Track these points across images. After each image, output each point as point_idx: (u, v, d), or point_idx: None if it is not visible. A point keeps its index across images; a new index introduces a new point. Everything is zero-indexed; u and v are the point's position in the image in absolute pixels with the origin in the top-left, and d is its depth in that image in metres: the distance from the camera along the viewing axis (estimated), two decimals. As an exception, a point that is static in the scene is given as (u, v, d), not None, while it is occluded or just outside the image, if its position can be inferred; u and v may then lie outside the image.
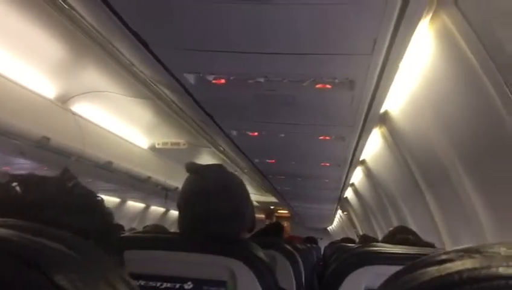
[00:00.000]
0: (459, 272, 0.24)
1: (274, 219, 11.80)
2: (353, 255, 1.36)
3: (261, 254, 1.13)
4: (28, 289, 0.28)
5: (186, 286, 1.07)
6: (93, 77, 3.94)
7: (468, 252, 0.26)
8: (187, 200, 1.19)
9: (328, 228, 15.98)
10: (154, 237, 1.20)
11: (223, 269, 1.06)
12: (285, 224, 11.00)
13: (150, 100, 4.32)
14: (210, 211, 1.14)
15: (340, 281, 1.25)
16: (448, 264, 0.25)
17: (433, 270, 0.26)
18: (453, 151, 2.30)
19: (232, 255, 1.06)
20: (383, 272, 1.26)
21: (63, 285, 0.29)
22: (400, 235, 1.72)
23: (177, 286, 1.07)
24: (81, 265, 0.33)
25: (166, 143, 5.68)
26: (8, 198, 0.45)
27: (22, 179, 0.48)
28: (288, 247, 2.32)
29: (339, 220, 12.36)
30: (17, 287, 0.27)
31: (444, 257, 0.26)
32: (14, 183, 0.47)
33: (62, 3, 2.60)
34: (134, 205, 7.84)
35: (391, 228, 1.93)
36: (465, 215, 2.38)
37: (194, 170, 1.20)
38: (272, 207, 12.24)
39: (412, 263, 0.28)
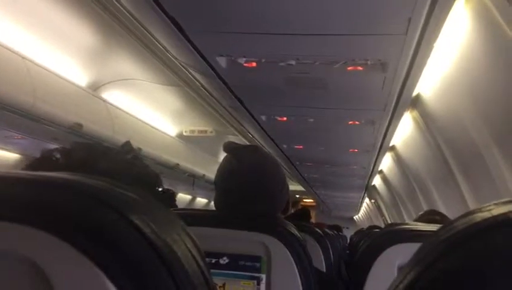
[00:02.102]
0: (506, 213, 0.26)
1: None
2: (385, 233, 1.35)
3: (295, 231, 1.14)
4: (106, 226, 0.30)
5: (221, 261, 1.09)
6: (124, 64, 4.01)
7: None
8: (222, 178, 1.21)
9: (354, 217, 15.88)
10: (191, 213, 1.23)
11: (258, 245, 1.07)
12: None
13: (178, 87, 4.35)
14: (243, 190, 1.16)
15: (373, 260, 1.24)
16: (497, 209, 0.27)
17: (484, 214, 0.27)
18: (488, 135, 2.24)
19: (267, 231, 1.07)
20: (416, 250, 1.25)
21: (137, 223, 0.31)
22: (429, 216, 1.70)
23: (213, 260, 1.08)
24: (152, 211, 0.35)
25: (193, 131, 5.72)
26: (73, 163, 0.47)
27: (87, 147, 0.50)
28: (319, 231, 2.32)
29: (366, 208, 12.26)
30: (96, 225, 0.29)
31: (491, 207, 0.28)
32: (79, 151, 0.49)
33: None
34: (162, 191, 7.94)
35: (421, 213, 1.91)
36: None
37: (231, 149, 1.22)
38: (297, 196, 12.21)
39: (461, 215, 0.30)
